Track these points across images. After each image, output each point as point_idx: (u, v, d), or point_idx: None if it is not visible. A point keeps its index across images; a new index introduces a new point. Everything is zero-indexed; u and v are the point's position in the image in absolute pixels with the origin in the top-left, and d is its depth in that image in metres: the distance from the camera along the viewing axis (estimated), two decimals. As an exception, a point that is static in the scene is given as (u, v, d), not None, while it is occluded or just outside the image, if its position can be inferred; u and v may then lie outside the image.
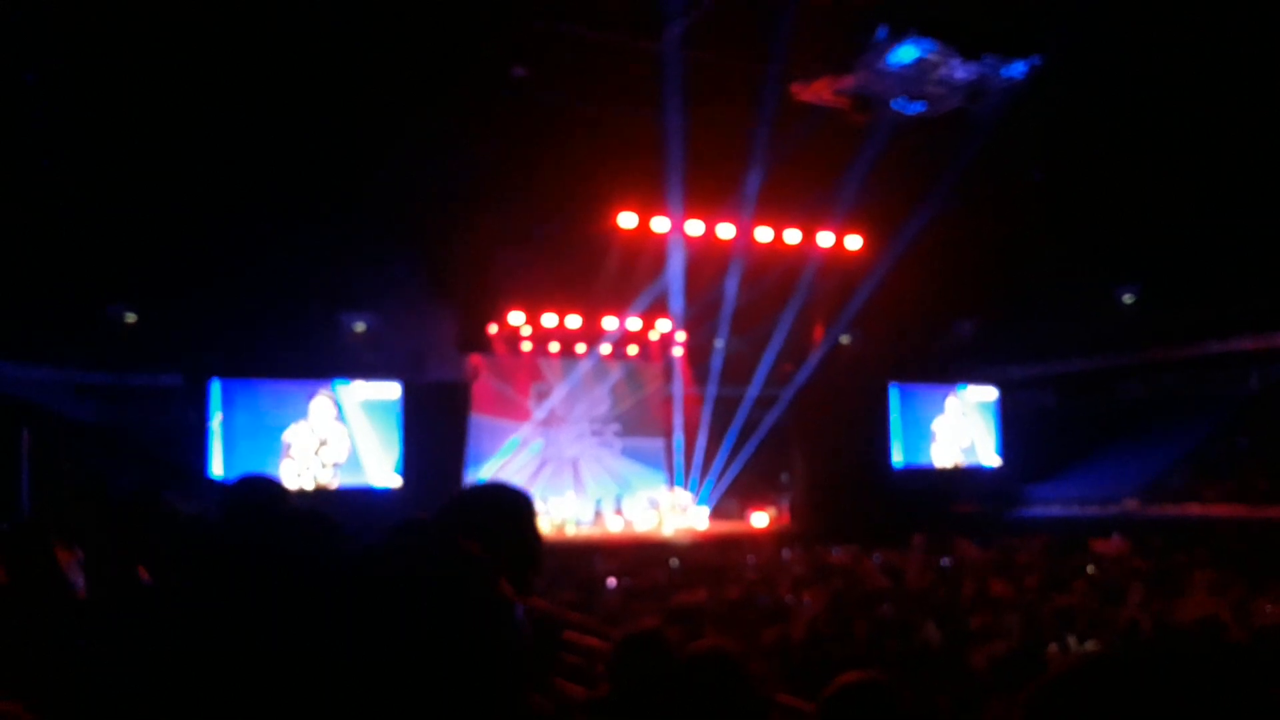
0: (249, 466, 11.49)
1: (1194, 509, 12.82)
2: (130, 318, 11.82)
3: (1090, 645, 5.44)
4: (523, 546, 1.77)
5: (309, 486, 11.81)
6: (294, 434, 12.20)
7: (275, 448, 12.03)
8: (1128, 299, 15.39)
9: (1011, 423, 15.48)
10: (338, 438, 12.30)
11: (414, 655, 0.96)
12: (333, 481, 12.16)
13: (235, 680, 1.02)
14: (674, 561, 10.68)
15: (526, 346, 13.48)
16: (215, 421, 11.76)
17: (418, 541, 1.11)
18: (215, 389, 11.78)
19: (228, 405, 11.90)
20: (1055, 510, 13.78)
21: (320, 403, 12.28)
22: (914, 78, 11.40)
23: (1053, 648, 5.49)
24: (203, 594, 1.12)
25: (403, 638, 0.97)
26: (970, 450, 15.36)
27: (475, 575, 1.05)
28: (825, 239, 12.96)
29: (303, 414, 12.20)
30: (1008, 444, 15.43)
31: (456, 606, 1.00)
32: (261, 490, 1.91)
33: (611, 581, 9.18)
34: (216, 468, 11.63)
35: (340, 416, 12.30)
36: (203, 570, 1.17)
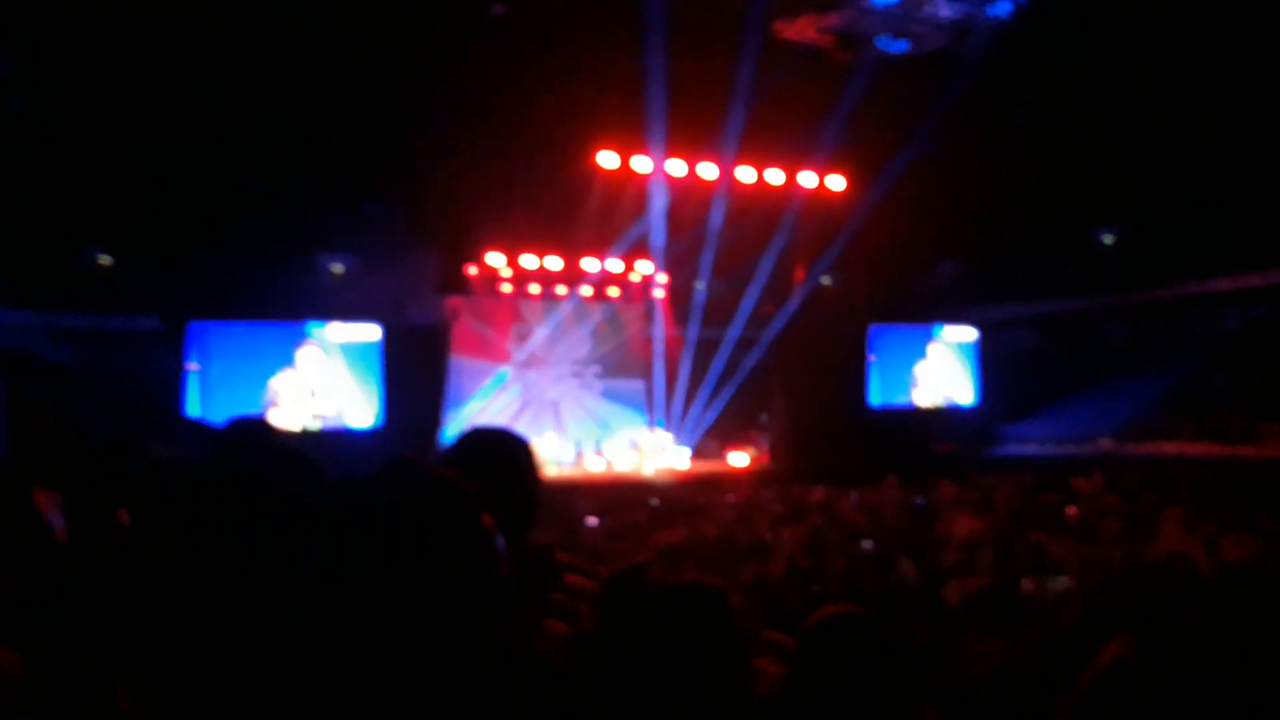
0: (231, 411, 11.43)
1: (1169, 448, 12.93)
2: (106, 260, 11.71)
3: (1063, 580, 5.49)
4: (521, 489, 1.84)
5: (294, 430, 11.78)
6: (281, 382, 12.19)
7: (259, 394, 12.00)
8: (1107, 240, 15.43)
9: (990, 363, 15.56)
10: (327, 388, 12.28)
11: (391, 581, 0.97)
12: (314, 424, 12.15)
13: (215, 616, 1.03)
14: (654, 501, 10.71)
15: (506, 288, 13.41)
16: (192, 365, 11.71)
17: (402, 474, 1.12)
18: (192, 332, 11.72)
19: (206, 349, 11.82)
20: (1032, 449, 13.89)
21: (302, 351, 12.23)
22: (899, 16, 11.33)
23: (1026, 583, 5.54)
24: (183, 532, 1.12)
25: (380, 564, 0.98)
26: (949, 392, 15.45)
27: (455, 503, 1.07)
28: (808, 179, 12.91)
29: (289, 362, 12.15)
30: (986, 384, 15.51)
31: (434, 533, 1.01)
32: (254, 430, 1.92)
33: (592, 521, 9.22)
34: (194, 411, 11.59)
35: (324, 364, 12.25)
36: (184, 509, 1.17)
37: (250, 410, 11.77)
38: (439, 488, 1.09)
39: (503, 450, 1.91)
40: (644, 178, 12.20)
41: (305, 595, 0.99)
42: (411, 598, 0.98)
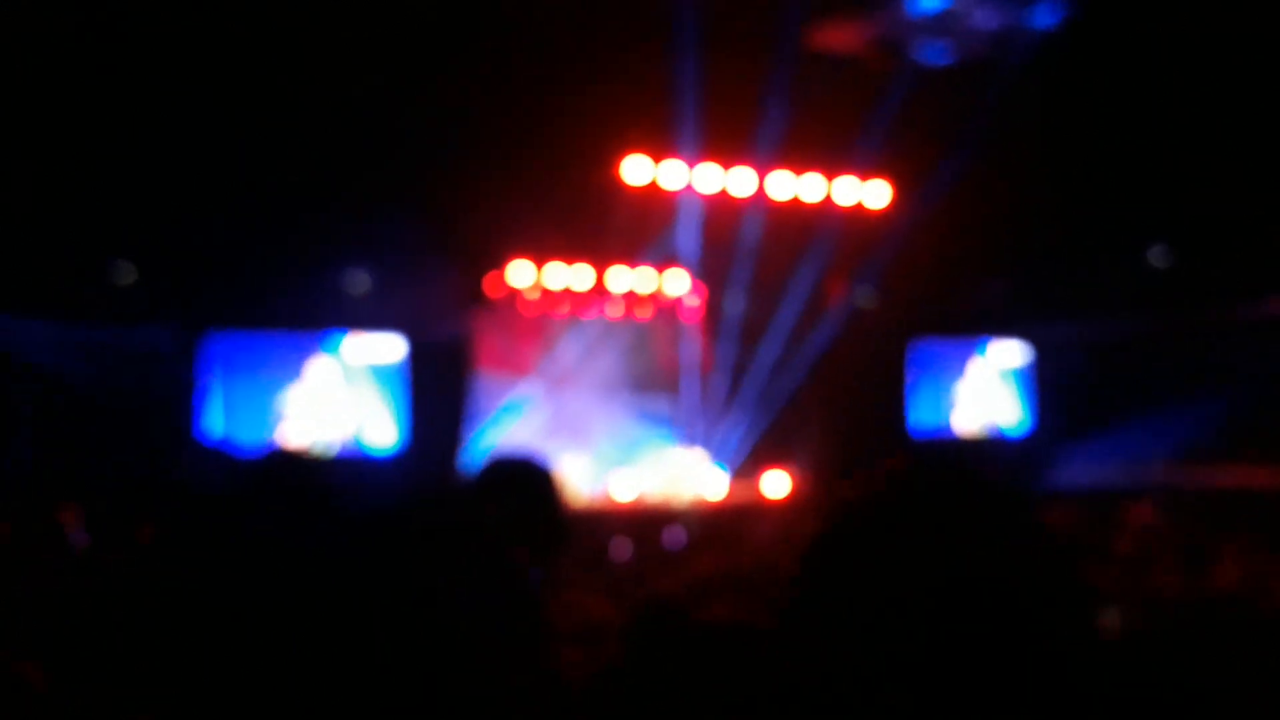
0: (246, 427, 11.31)
1: (1226, 476, 12.48)
2: (127, 273, 11.57)
3: (1113, 613, 5.10)
4: (547, 519, 1.94)
5: (324, 458, 11.58)
6: (292, 397, 11.94)
7: (272, 409, 11.82)
8: (1161, 259, 14.92)
9: (1038, 388, 15.08)
10: (339, 402, 12.06)
11: (427, 615, 0.95)
12: (333, 446, 11.93)
13: (239, 645, 0.98)
14: (684, 528, 10.46)
15: (534, 303, 13.11)
16: (210, 379, 11.57)
17: (433, 512, 1.12)
18: (209, 343, 11.59)
19: (224, 362, 11.69)
20: (1082, 478, 13.41)
21: (320, 365, 12.03)
22: (939, 25, 11.03)
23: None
24: (209, 558, 1.10)
25: (416, 599, 0.95)
26: (993, 418, 14.97)
27: (488, 539, 1.10)
28: (845, 193, 12.58)
29: (300, 375, 11.96)
30: (1035, 411, 15.04)
31: (468, 569, 1.01)
32: (287, 465, 1.73)
33: (620, 547, 9.01)
34: (212, 427, 11.45)
35: (342, 380, 12.06)
36: (211, 536, 1.15)
37: (265, 425, 11.65)
38: (470, 525, 1.11)
39: (528, 480, 1.98)
40: (674, 184, 11.96)
41: (335, 629, 0.96)
42: (447, 632, 0.96)
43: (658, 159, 11.87)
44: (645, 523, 10.74)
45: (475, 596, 0.96)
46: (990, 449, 14.77)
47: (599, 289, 13.19)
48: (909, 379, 14.36)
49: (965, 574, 0.88)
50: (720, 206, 12.28)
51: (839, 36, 10.60)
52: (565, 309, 13.36)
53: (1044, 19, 11.07)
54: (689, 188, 12.12)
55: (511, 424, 13.14)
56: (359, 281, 12.12)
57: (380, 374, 12.19)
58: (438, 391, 12.06)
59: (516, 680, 0.96)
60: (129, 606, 1.15)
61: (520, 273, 12.63)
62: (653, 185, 12.01)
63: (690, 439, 13.85)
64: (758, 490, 13.24)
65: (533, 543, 1.60)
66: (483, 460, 1.96)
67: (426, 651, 0.92)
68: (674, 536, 10.05)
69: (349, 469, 11.37)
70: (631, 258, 12.80)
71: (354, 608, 0.92)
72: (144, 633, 1.06)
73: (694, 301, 13.81)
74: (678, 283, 13.41)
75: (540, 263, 12.67)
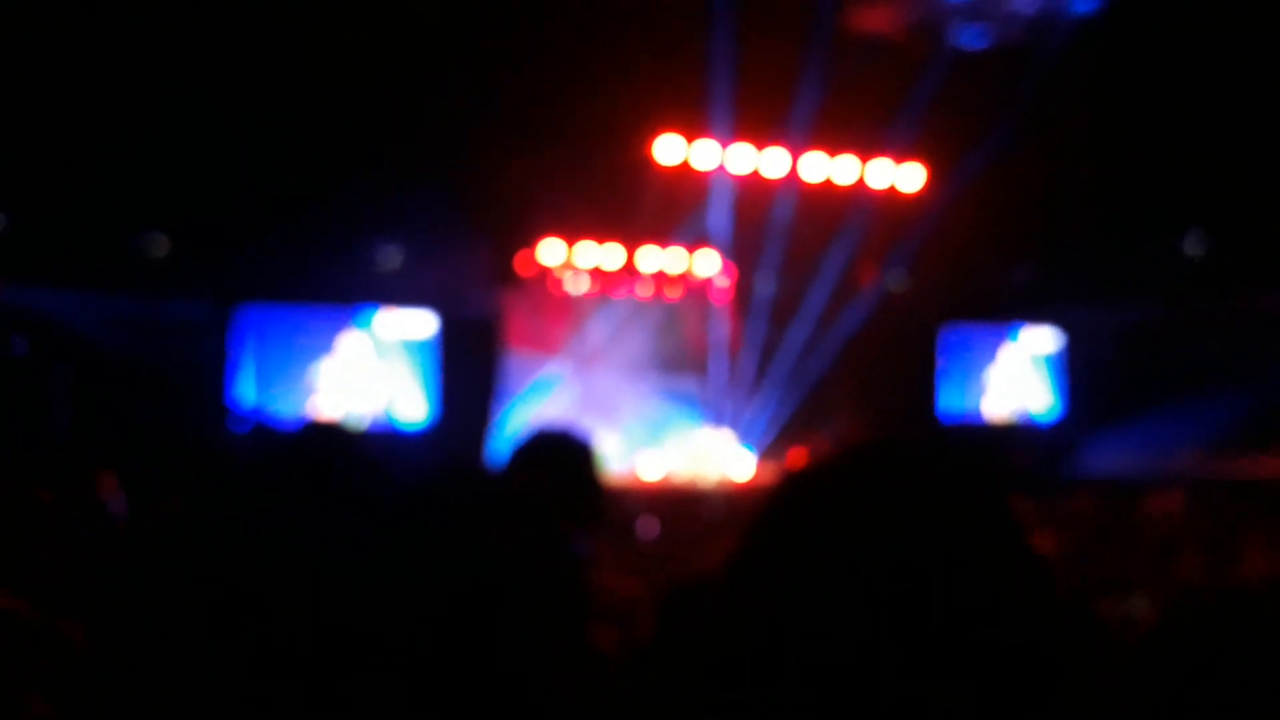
0: (278, 399, 11.39)
1: (1255, 466, 12.36)
2: (160, 245, 11.65)
3: (1141, 602, 5.09)
4: (585, 491, 1.91)
5: (360, 431, 11.63)
6: (324, 370, 12.02)
7: (303, 382, 11.89)
8: (1196, 247, 14.75)
9: (1069, 374, 14.97)
10: (370, 376, 12.12)
11: (471, 590, 0.93)
12: (363, 420, 12.00)
13: (272, 618, 0.98)
14: (712, 508, 10.46)
15: (565, 282, 13.09)
16: (242, 351, 11.65)
17: (472, 482, 1.11)
18: (241, 315, 11.66)
19: (255, 334, 11.77)
20: (1111, 465, 13.32)
21: (352, 339, 12.09)
22: (977, 9, 10.96)
23: (1103, 603, 5.16)
24: (243, 530, 1.06)
25: (461, 574, 0.94)
26: (1023, 403, 14.88)
27: (537, 509, 1.04)
28: (878, 176, 12.51)
29: (332, 349, 12.03)
30: (1065, 397, 14.92)
31: (514, 542, 0.99)
32: (329, 437, 1.76)
33: (647, 527, 9.02)
34: (244, 399, 11.53)
35: (373, 354, 12.12)
36: (248, 507, 1.10)
37: (296, 397, 11.73)
38: (518, 495, 1.07)
39: (568, 453, 1.96)
40: (707, 164, 11.92)
41: (373, 603, 0.94)
42: (492, 606, 0.94)
43: (691, 138, 11.84)
44: (672, 502, 10.74)
45: (526, 567, 0.96)
46: (1020, 435, 14.69)
47: (629, 268, 13.17)
48: (940, 364, 14.29)
49: (899, 553, 0.88)
50: (752, 187, 12.24)
51: (876, 18, 10.55)
52: (596, 288, 13.36)
53: (1082, 4, 10.98)
54: (721, 168, 12.09)
55: (540, 402, 13.18)
56: (391, 257, 12.15)
57: (411, 349, 12.24)
58: (468, 368, 12.10)
59: (564, 653, 0.97)
60: (166, 573, 1.13)
61: (551, 251, 12.63)
62: (685, 165, 11.98)
63: (718, 419, 13.83)
64: (783, 470, 13.19)
65: (575, 516, 1.61)
66: (521, 433, 1.97)
67: (477, 623, 0.93)
68: (699, 519, 10.04)
69: (380, 442, 11.42)
70: (663, 237, 12.76)
71: (400, 580, 0.93)
72: (181, 599, 1.05)
73: (724, 282, 13.77)
74: (708, 263, 13.38)
75: (571, 241, 12.67)
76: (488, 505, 1.01)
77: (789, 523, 0.95)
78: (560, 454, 1.93)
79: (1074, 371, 14.95)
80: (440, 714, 0.91)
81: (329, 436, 1.82)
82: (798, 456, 13.35)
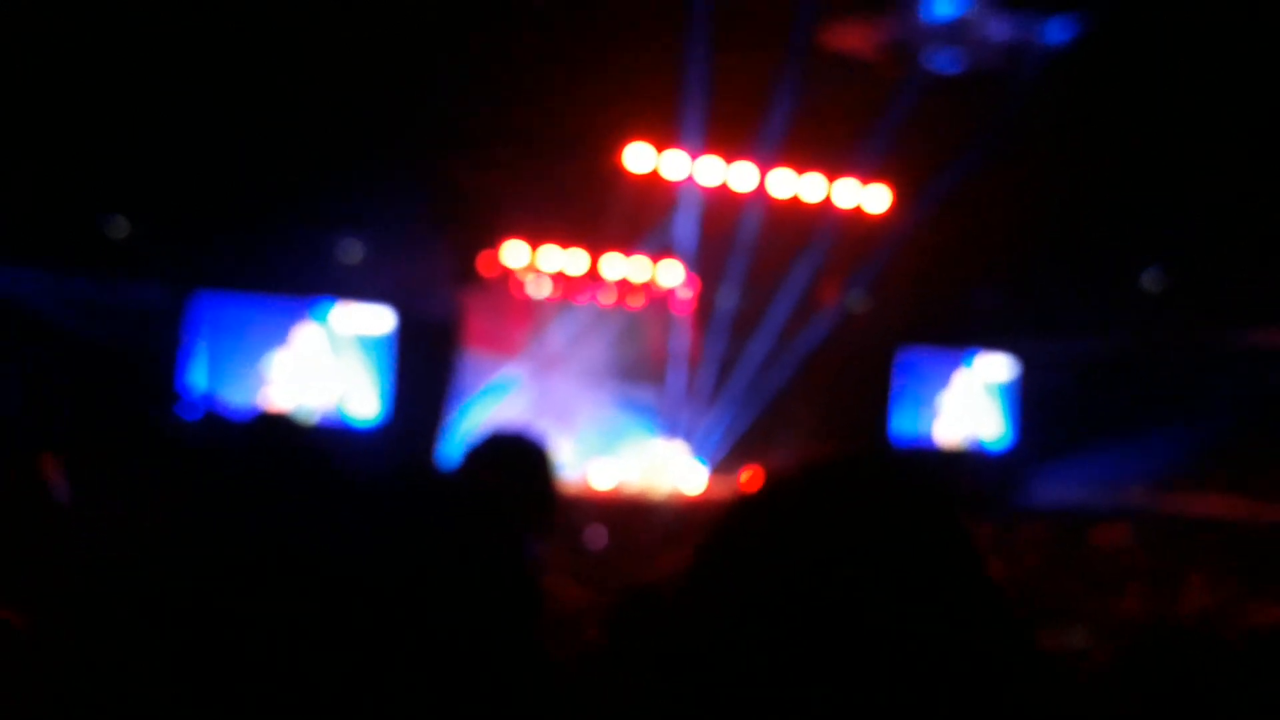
0: (229, 389, 11.27)
1: (1200, 504, 12.52)
2: (119, 228, 11.51)
3: (1080, 633, 5.15)
4: (538, 494, 1.92)
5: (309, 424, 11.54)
6: (277, 361, 11.90)
7: (256, 373, 11.78)
8: (1154, 283, 14.96)
9: (1022, 404, 15.11)
10: (324, 370, 12.02)
11: (423, 582, 0.92)
12: (314, 414, 11.90)
13: (224, 601, 0.94)
14: (662, 519, 10.46)
15: (527, 285, 13.05)
16: (197, 338, 11.54)
17: (428, 476, 1.10)
18: (197, 303, 11.55)
19: (211, 322, 11.66)
20: (1059, 496, 13.46)
21: (307, 332, 12.00)
22: (952, 34, 11.03)
23: (1042, 634, 5.19)
24: (196, 516, 1.06)
25: (412, 565, 0.92)
26: (975, 430, 14.99)
27: (486, 505, 1.04)
28: (845, 195, 12.58)
29: (286, 340, 11.92)
30: (1017, 426, 15.06)
31: (466, 535, 0.97)
32: (279, 427, 1.85)
33: (596, 536, 9.01)
34: (196, 386, 11.41)
35: (328, 348, 12.02)
36: (199, 492, 1.11)
37: (248, 387, 11.63)
38: (470, 490, 1.07)
39: (524, 456, 1.95)
40: (675, 175, 11.93)
41: (333, 593, 0.92)
42: (444, 601, 0.93)
43: (661, 148, 11.84)
44: (623, 512, 10.73)
45: (479, 565, 0.94)
46: (970, 461, 14.79)
47: (592, 274, 13.15)
48: (894, 386, 14.37)
49: (853, 570, 0.87)
50: (719, 200, 12.26)
51: (851, 38, 10.59)
52: (558, 292, 13.31)
53: (1056, 35, 11.08)
54: (689, 179, 12.10)
55: (495, 404, 13.12)
56: (352, 250, 12.07)
57: (367, 345, 12.14)
58: (423, 366, 12.02)
59: (519, 652, 0.95)
60: (110, 559, 1.13)
61: (515, 253, 12.59)
62: (654, 174, 11.98)
63: (673, 431, 13.83)
64: (736, 486, 13.23)
65: (526, 520, 1.60)
66: (476, 434, 1.96)
67: (429, 619, 0.91)
68: (649, 530, 10.04)
69: (330, 438, 11.34)
70: (627, 245, 12.76)
71: (352, 571, 0.91)
72: (125, 584, 1.03)
73: (686, 294, 13.79)
74: (671, 273, 13.39)
75: (535, 244, 12.63)
76: (443, 503, 0.99)
77: (743, 537, 0.94)
78: (515, 457, 1.92)
79: (1026, 400, 15.09)
80: (397, 707, 0.89)
81: (281, 428, 1.80)
82: (751, 474, 13.39)
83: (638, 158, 11.80)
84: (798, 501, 0.95)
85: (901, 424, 14.45)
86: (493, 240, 12.36)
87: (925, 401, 14.70)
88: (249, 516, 0.97)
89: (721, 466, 13.62)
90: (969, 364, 14.96)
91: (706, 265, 13.04)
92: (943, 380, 14.84)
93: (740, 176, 12.12)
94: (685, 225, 12.45)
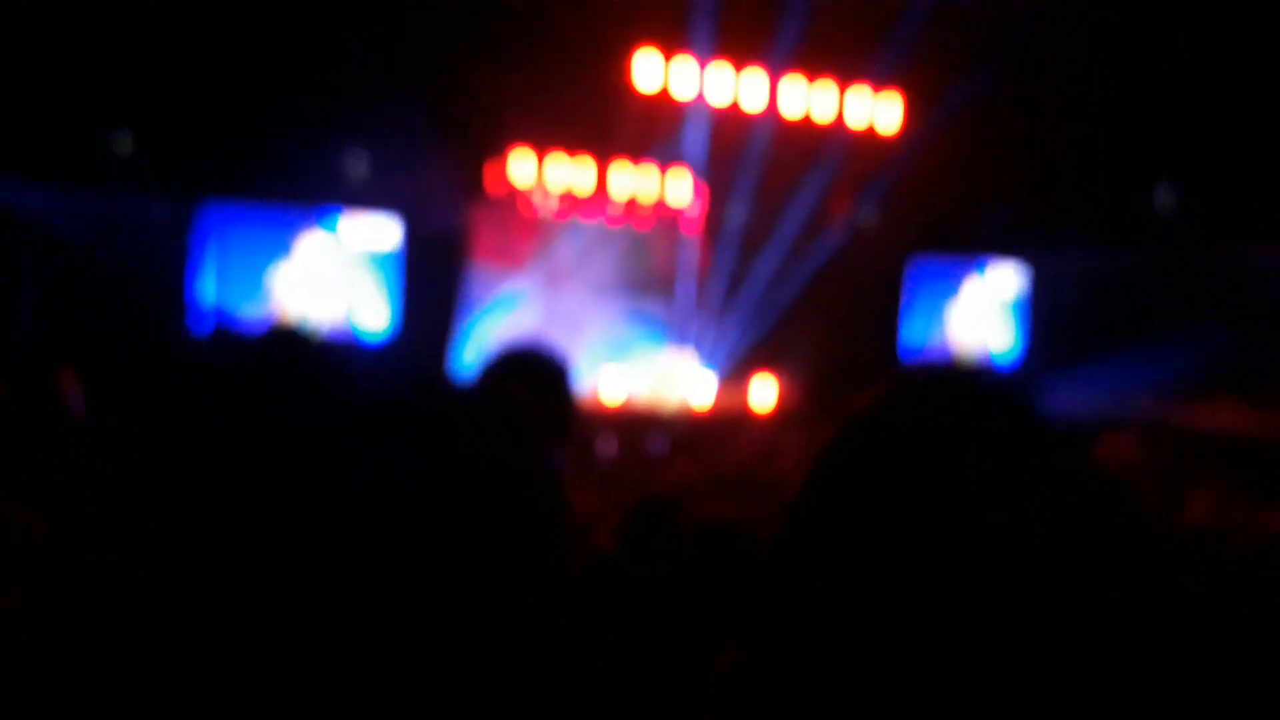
0: (238, 300, 11.28)
1: (1208, 417, 12.54)
2: (125, 142, 11.43)
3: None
4: (558, 408, 1.90)
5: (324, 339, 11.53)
6: (285, 273, 11.89)
7: (264, 284, 11.77)
8: (1166, 198, 14.82)
9: (1032, 316, 15.07)
10: (331, 282, 12.00)
11: (449, 494, 0.90)
12: (322, 326, 11.90)
13: (242, 524, 0.93)
14: (671, 432, 10.53)
15: (534, 198, 12.94)
16: (204, 249, 11.52)
17: (450, 389, 1.09)
18: (204, 214, 11.52)
19: (219, 234, 11.63)
20: (1067, 408, 13.45)
21: (315, 243, 11.95)
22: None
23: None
24: (209, 430, 1.02)
25: (437, 478, 0.91)
26: (984, 342, 14.97)
27: (517, 418, 1.02)
28: (857, 108, 12.42)
29: (294, 252, 11.89)
30: (1026, 338, 15.04)
31: (493, 448, 0.95)
32: (294, 343, 1.80)
33: (606, 446, 9.08)
34: (204, 298, 11.43)
35: (336, 259, 11.98)
36: (213, 407, 1.07)
37: (257, 299, 11.64)
38: (495, 402, 1.05)
39: (544, 368, 1.95)
40: (684, 84, 11.78)
41: (349, 510, 0.90)
42: (474, 514, 0.91)
43: (669, 55, 11.66)
44: (632, 423, 10.80)
45: (508, 477, 0.92)
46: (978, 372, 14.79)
47: (600, 192, 13.03)
48: (904, 297, 14.33)
49: (985, 507, 0.85)
50: (729, 112, 12.13)
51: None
52: (565, 209, 13.21)
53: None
54: (699, 88, 11.94)
55: (504, 318, 13.10)
56: (358, 161, 11.96)
57: (375, 258, 12.11)
58: (431, 280, 11.99)
59: (545, 565, 0.94)
60: (126, 472, 1.10)
61: (521, 163, 12.46)
62: (663, 84, 11.84)
63: (682, 342, 13.83)
64: (744, 400, 13.28)
65: (549, 430, 1.59)
66: (494, 347, 1.95)
67: (458, 532, 0.89)
68: (658, 441, 10.12)
69: (340, 350, 11.36)
70: (635, 155, 12.63)
71: (377, 485, 0.89)
72: (141, 497, 1.01)
73: (695, 210, 13.68)
74: (680, 186, 13.26)
75: (542, 154, 12.50)
76: (468, 416, 0.97)
77: (851, 470, 0.93)
78: (536, 369, 1.91)
79: (1036, 314, 15.04)
80: (420, 629, 0.87)
81: (295, 341, 1.80)
82: (760, 382, 13.43)
83: (646, 66, 11.62)
84: (904, 427, 0.94)
85: (912, 334, 14.43)
86: (499, 151, 12.23)
87: (936, 312, 14.65)
88: (267, 431, 0.95)
89: (730, 378, 13.66)
90: (981, 273, 14.87)
91: (715, 179, 12.94)
92: (954, 290, 14.78)
93: (751, 88, 11.95)
94: (695, 137, 12.33)
